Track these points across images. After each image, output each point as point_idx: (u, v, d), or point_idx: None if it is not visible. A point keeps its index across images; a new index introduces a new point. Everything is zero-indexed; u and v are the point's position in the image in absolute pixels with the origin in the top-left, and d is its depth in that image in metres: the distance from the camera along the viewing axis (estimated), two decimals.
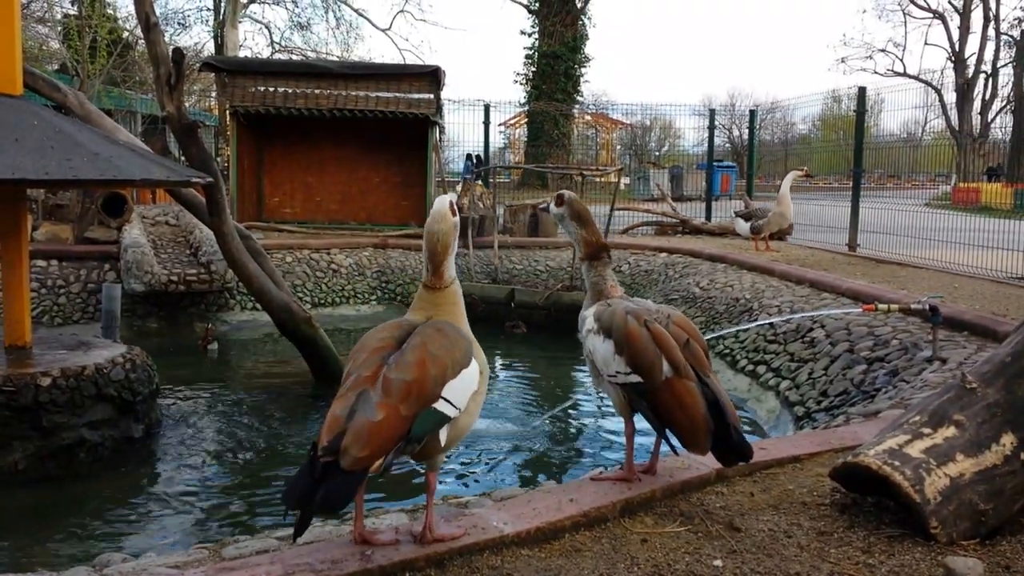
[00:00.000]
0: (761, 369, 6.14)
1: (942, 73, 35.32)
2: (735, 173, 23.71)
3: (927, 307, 4.86)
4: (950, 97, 33.69)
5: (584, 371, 7.18)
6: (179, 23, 29.22)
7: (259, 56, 28.07)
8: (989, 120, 33.56)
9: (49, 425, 4.61)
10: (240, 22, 26.89)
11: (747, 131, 16.68)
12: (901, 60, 45.35)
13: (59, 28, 22.52)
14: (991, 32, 34.85)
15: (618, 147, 26.10)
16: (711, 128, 15.79)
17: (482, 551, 2.29)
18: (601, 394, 2.98)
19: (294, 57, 28.44)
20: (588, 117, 26.79)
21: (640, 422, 2.75)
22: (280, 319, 6.49)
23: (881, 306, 5.11)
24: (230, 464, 5.00)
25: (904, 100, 17.03)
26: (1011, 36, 34.19)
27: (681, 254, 10.25)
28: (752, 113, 16.15)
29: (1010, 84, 31.23)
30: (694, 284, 8.74)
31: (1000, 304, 6.09)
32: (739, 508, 2.64)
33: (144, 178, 4.61)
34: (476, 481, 4.66)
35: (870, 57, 39.51)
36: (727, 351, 6.81)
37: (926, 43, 58.84)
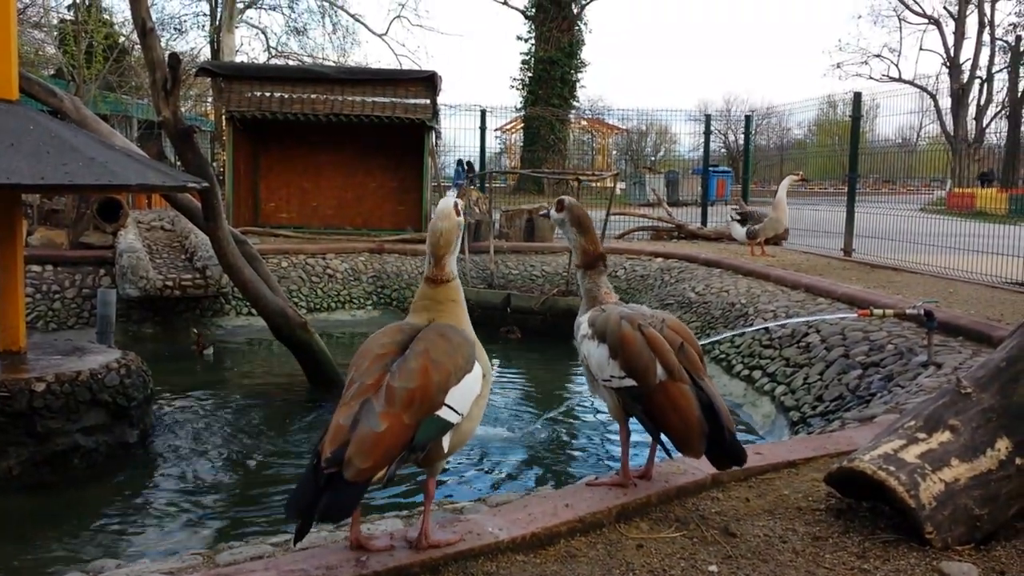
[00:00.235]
0: (757, 374, 6.15)
1: (937, 78, 35.36)
2: (731, 178, 23.75)
3: (922, 312, 4.87)
4: (945, 102, 33.92)
5: (580, 376, 7.18)
6: (175, 28, 29.30)
7: (255, 61, 28.10)
8: (984, 125, 33.69)
9: (43, 431, 4.59)
10: (236, 27, 26.92)
11: (743, 136, 16.71)
12: (896, 65, 45.41)
13: (55, 33, 22.51)
14: (986, 37, 35.06)
15: (614, 152, 26.16)
16: (707, 133, 15.82)
17: (477, 557, 2.28)
18: (596, 399, 2.97)
19: (290, 62, 28.47)
20: (584, 122, 26.83)
21: (635, 428, 2.75)
22: (275, 324, 6.48)
23: (876, 311, 5.12)
24: (225, 470, 4.98)
25: (899, 105, 17.03)
26: (1006, 41, 34.36)
27: (677, 259, 10.26)
28: (748, 118, 16.18)
29: (1005, 89, 31.40)
30: (690, 289, 8.75)
31: (995, 309, 6.10)
32: (735, 513, 2.64)
33: (140, 183, 4.60)
34: (471, 486, 4.65)
35: (865, 62, 39.51)
36: (723, 356, 6.82)
37: (921, 48, 59.32)
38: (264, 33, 35.37)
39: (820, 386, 5.27)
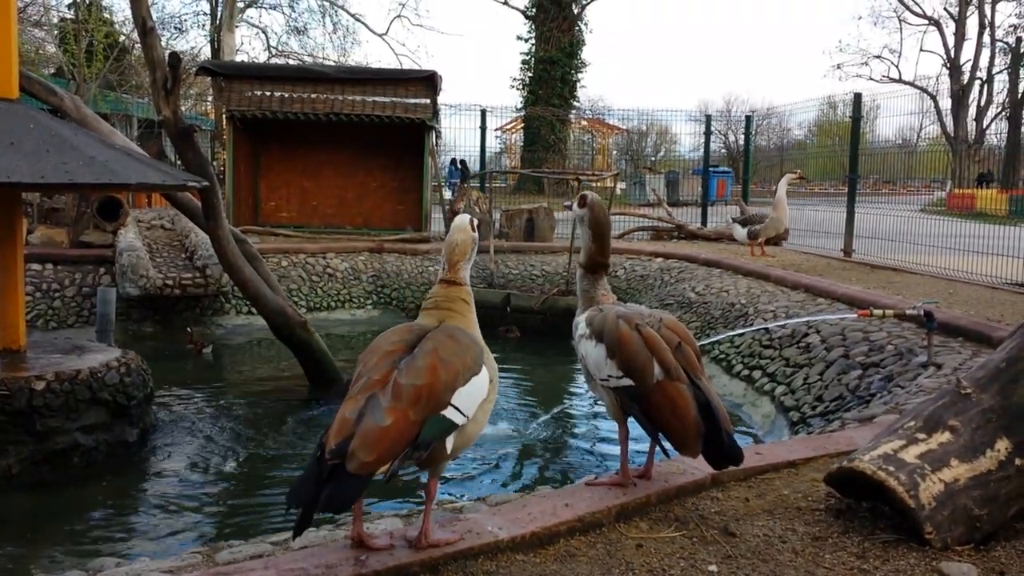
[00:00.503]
0: (756, 374, 6.15)
1: (937, 79, 35.36)
2: (731, 178, 23.77)
3: (922, 312, 4.87)
4: (945, 103, 33.93)
5: (580, 375, 7.18)
6: (176, 27, 29.32)
7: (256, 60, 28.11)
8: (984, 127, 33.68)
9: (43, 429, 4.60)
10: (237, 26, 26.93)
11: (743, 137, 16.71)
12: (897, 66, 45.49)
13: (56, 32, 22.53)
14: (986, 39, 35.05)
15: (614, 152, 26.15)
16: (707, 134, 15.82)
17: (477, 556, 2.28)
18: (596, 398, 2.97)
19: (291, 61, 28.47)
20: (584, 122, 26.82)
21: (634, 427, 2.75)
22: (275, 323, 6.48)
23: (876, 311, 5.12)
24: (224, 468, 4.98)
25: (899, 106, 17.11)
26: (1006, 43, 34.35)
27: (677, 259, 10.26)
28: (748, 119, 16.19)
29: (1005, 91, 31.36)
30: (690, 289, 8.75)
31: (995, 310, 6.11)
32: (734, 513, 2.64)
33: (140, 182, 4.60)
34: (471, 486, 4.65)
35: (866, 63, 39.47)
36: (723, 356, 6.82)
37: (922, 49, 59.27)
38: (264, 32, 35.44)
39: (820, 386, 5.27)
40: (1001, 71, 34.57)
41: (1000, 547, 2.36)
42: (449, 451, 2.22)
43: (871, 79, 37.98)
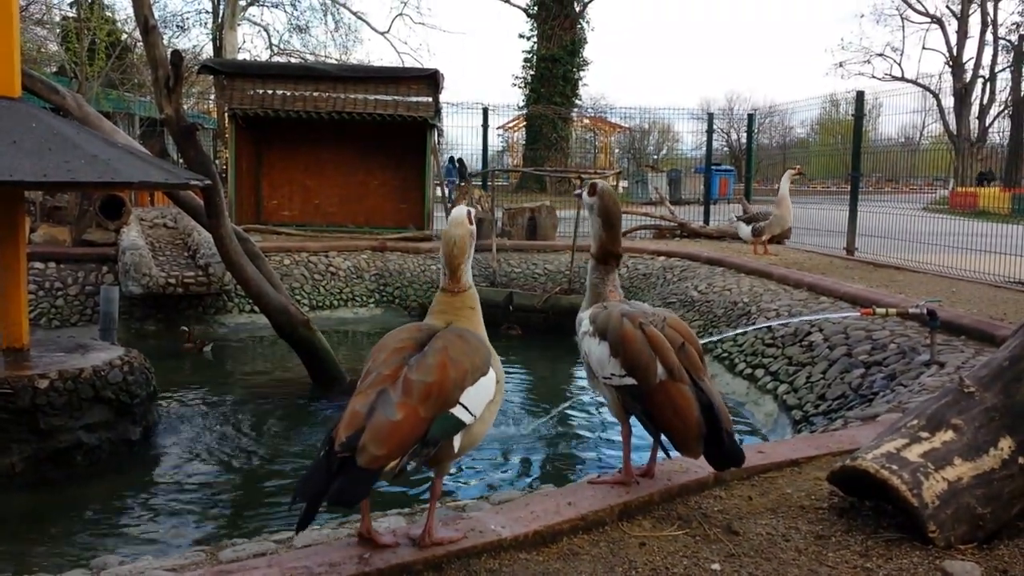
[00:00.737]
0: (759, 373, 6.14)
1: (940, 78, 35.30)
2: (733, 177, 23.75)
3: (925, 311, 4.87)
4: (948, 101, 33.84)
5: (582, 374, 7.18)
6: (178, 26, 29.29)
7: (258, 59, 28.11)
8: (987, 125, 33.64)
9: (46, 428, 4.60)
10: (239, 25, 26.92)
11: (745, 135, 16.70)
12: (899, 64, 45.45)
13: (58, 30, 22.54)
14: (989, 37, 34.97)
15: (616, 151, 26.14)
16: (709, 132, 15.81)
17: (480, 554, 2.28)
18: (598, 396, 2.97)
19: (293, 60, 28.47)
20: (586, 121, 26.81)
21: (636, 426, 2.75)
22: (278, 322, 6.48)
23: (879, 310, 5.11)
24: (227, 467, 4.99)
25: (902, 104, 17.07)
26: (1009, 41, 34.30)
27: (679, 258, 10.25)
28: (750, 117, 16.18)
29: (1008, 89, 31.34)
30: (692, 288, 8.75)
31: (998, 308, 6.10)
32: (737, 512, 2.64)
33: (142, 180, 4.61)
34: (474, 484, 4.66)
35: (868, 61, 39.43)
36: (725, 355, 6.82)
37: (924, 48, 58.96)
38: (266, 31, 35.46)
39: (823, 385, 5.27)
40: (1004, 69, 34.51)
41: (1003, 546, 2.36)
42: (456, 450, 2.22)
43: (873, 77, 37.95)
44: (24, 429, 4.55)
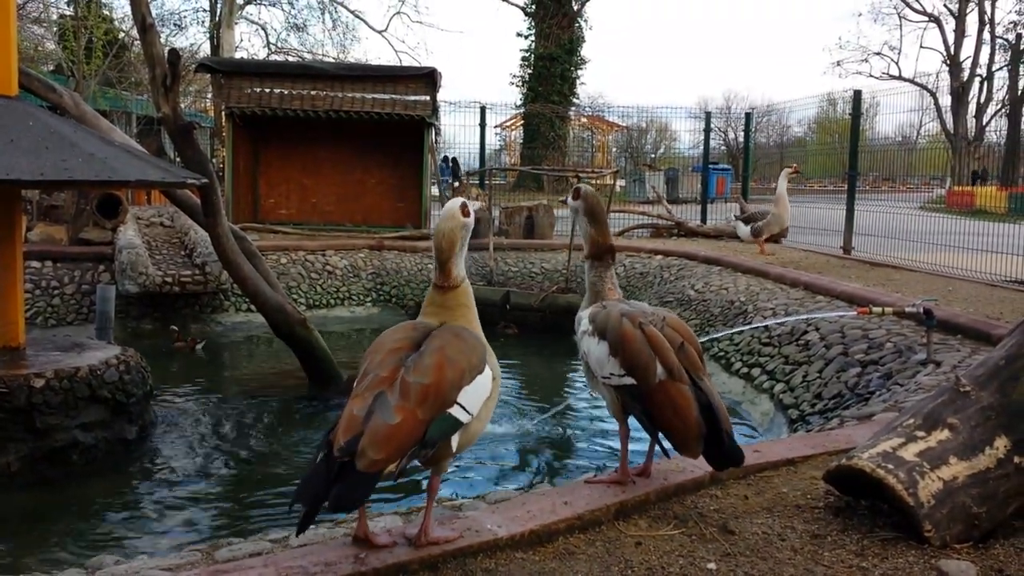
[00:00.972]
0: (755, 372, 6.15)
1: (937, 76, 35.48)
2: (730, 176, 23.73)
3: (921, 310, 4.87)
4: (945, 100, 33.92)
5: (579, 373, 7.18)
6: (175, 24, 29.26)
7: (255, 57, 28.08)
8: (984, 123, 33.69)
9: (42, 427, 4.59)
10: (236, 23, 26.89)
11: (743, 134, 16.70)
12: (896, 63, 45.42)
13: (55, 29, 22.49)
14: (986, 35, 35.05)
15: (614, 149, 26.11)
16: (707, 131, 15.81)
17: (476, 554, 2.28)
18: (595, 396, 2.97)
19: (290, 58, 28.43)
20: (584, 119, 26.77)
21: (634, 425, 2.75)
22: (275, 321, 6.47)
23: (875, 309, 5.12)
24: (224, 466, 4.98)
25: (899, 103, 17.04)
26: (1006, 40, 34.37)
27: (676, 256, 10.26)
28: (748, 116, 16.18)
29: (1005, 88, 31.40)
30: (689, 287, 8.75)
31: (994, 307, 6.11)
32: (733, 511, 2.64)
33: (139, 179, 4.60)
34: (470, 483, 4.65)
35: (865, 60, 39.65)
36: (722, 354, 6.82)
37: (921, 46, 59.27)
38: (264, 29, 35.51)
39: (819, 384, 5.27)
40: (1001, 68, 34.63)
41: (999, 545, 2.36)
42: (454, 449, 2.22)
43: (871, 76, 38.02)
44: (20, 428, 4.54)
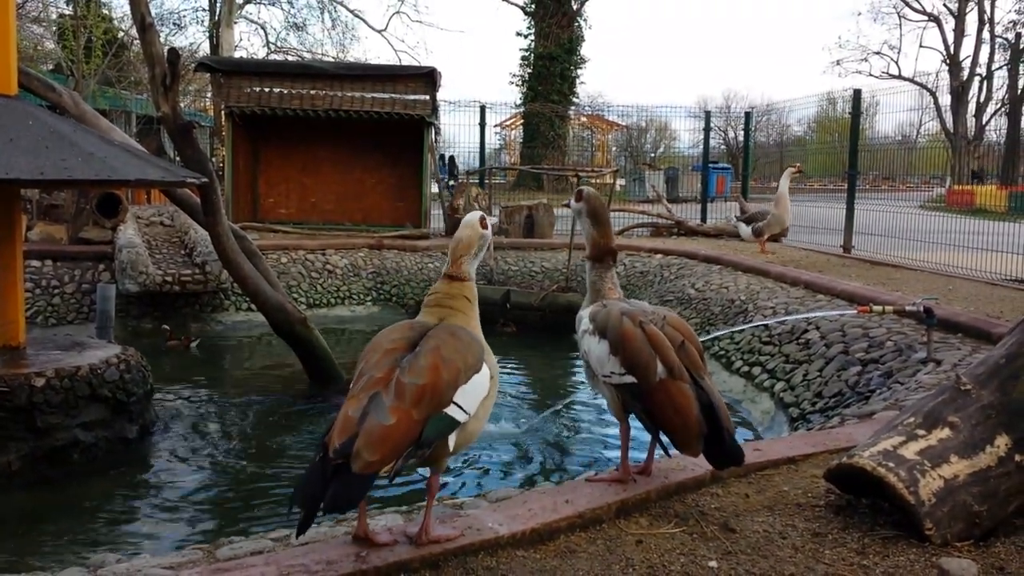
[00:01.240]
0: (756, 370, 6.15)
1: (937, 76, 35.44)
2: (730, 175, 23.73)
3: (921, 309, 4.87)
4: (945, 100, 33.90)
5: (580, 372, 7.18)
6: (175, 23, 29.25)
7: (255, 57, 28.06)
8: (984, 123, 33.67)
9: (43, 426, 4.59)
10: (236, 23, 26.87)
11: (742, 133, 16.70)
12: (896, 63, 45.36)
13: (54, 28, 22.48)
14: (986, 35, 35.02)
15: (614, 149, 26.11)
16: (706, 130, 15.81)
17: (477, 552, 2.29)
18: (596, 395, 2.98)
19: (290, 58, 28.42)
20: (584, 119, 26.76)
21: (635, 423, 2.75)
22: (275, 320, 6.48)
23: (876, 308, 5.12)
24: (225, 465, 4.98)
25: (899, 102, 17.05)
26: (1006, 39, 34.34)
27: (676, 255, 10.26)
28: (748, 115, 16.17)
29: (1005, 87, 31.40)
30: (689, 285, 8.75)
31: (995, 306, 6.11)
32: (734, 509, 2.64)
33: (139, 178, 4.60)
34: (471, 482, 4.65)
35: (865, 59, 39.67)
36: (722, 352, 6.82)
37: (921, 46, 59.26)
38: (263, 28, 35.52)
39: (819, 382, 5.28)
40: (1000, 67, 34.58)
41: (1000, 543, 2.36)
42: (451, 448, 2.22)
43: (871, 75, 38.00)
44: (21, 427, 4.54)
